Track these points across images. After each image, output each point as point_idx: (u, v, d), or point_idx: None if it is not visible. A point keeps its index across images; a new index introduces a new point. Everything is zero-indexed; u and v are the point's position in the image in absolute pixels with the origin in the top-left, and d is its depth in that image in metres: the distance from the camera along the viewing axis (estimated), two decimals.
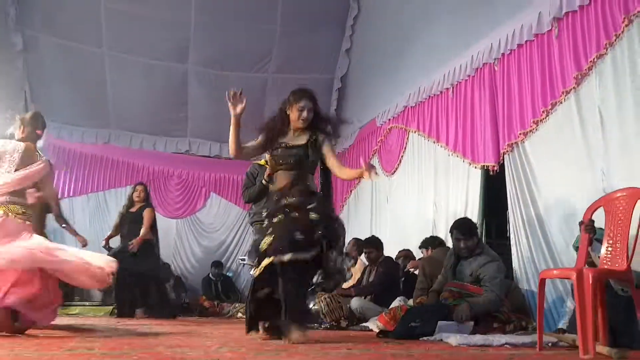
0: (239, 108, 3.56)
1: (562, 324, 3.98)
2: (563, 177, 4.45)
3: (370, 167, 3.27)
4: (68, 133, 8.70)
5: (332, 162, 3.63)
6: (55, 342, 3.03)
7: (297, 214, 3.37)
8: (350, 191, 8.48)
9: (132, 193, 6.70)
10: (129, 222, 6.55)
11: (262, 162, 5.38)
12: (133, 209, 6.60)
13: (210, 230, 9.42)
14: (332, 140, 3.70)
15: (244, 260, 8.45)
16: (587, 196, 4.12)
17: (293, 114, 3.58)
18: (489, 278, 4.08)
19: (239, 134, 3.61)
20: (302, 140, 3.59)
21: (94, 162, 8.94)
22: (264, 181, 4.40)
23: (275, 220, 3.41)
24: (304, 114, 3.54)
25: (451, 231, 4.44)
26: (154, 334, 3.94)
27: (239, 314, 7.26)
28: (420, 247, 5.66)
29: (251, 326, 3.53)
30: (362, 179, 3.38)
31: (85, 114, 8.71)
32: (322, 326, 5.17)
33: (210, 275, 8.64)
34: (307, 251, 3.26)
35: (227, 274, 9.05)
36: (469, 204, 5.54)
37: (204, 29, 8.41)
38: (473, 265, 4.21)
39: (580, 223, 3.29)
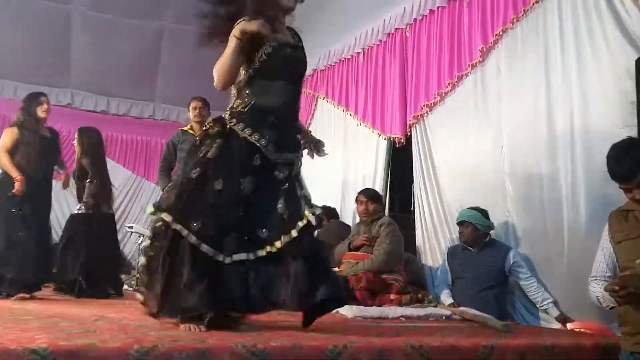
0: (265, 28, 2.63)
1: (443, 291, 4.33)
2: (465, 151, 4.69)
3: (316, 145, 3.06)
4: None
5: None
6: None
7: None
8: None
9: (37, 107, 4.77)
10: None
11: (188, 127, 5.26)
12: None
13: None
14: None
15: (131, 228, 8.24)
16: (488, 171, 4.43)
17: None
18: (378, 242, 4.46)
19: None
20: (291, 39, 2.86)
21: None
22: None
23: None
24: None
25: (356, 198, 4.78)
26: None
27: (125, 286, 7.10)
28: None
29: None
30: None
31: None
32: None
33: None
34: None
35: None
36: (377, 175, 5.71)
37: None
38: (373, 230, 4.56)
39: None
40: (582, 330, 3.38)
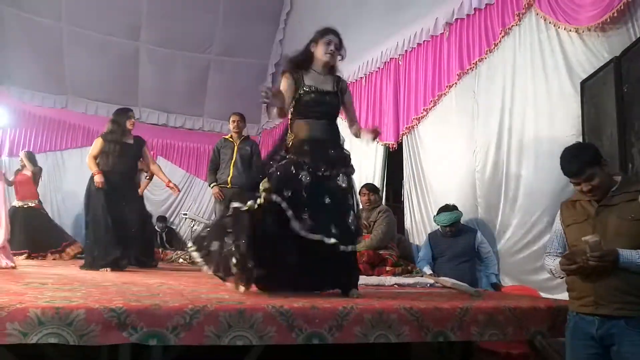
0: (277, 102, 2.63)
1: (424, 265, 4.31)
2: (445, 155, 4.68)
3: (375, 132, 2.89)
4: (30, 97, 8.09)
5: (350, 115, 2.96)
6: (13, 278, 2.90)
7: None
8: None
9: (126, 120, 4.59)
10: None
11: (228, 136, 5.29)
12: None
13: (156, 188, 9.14)
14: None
15: (186, 215, 8.31)
16: (462, 171, 4.40)
17: (319, 50, 2.76)
18: (376, 226, 4.48)
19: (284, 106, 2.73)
20: (329, 86, 2.80)
21: (52, 124, 8.36)
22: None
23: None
24: (332, 47, 2.75)
25: (360, 190, 4.73)
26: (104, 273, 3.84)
27: (180, 260, 7.16)
28: None
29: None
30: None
31: (45, 81, 8.09)
32: None
33: (156, 227, 8.42)
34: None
35: (171, 226, 8.87)
36: (376, 173, 5.68)
37: (154, 12, 8.02)
38: (372, 215, 4.58)
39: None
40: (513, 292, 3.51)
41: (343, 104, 2.88)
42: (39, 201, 6.42)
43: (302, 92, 2.71)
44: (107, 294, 2.22)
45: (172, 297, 2.16)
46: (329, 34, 2.79)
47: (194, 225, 7.97)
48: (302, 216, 2.48)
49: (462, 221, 4.17)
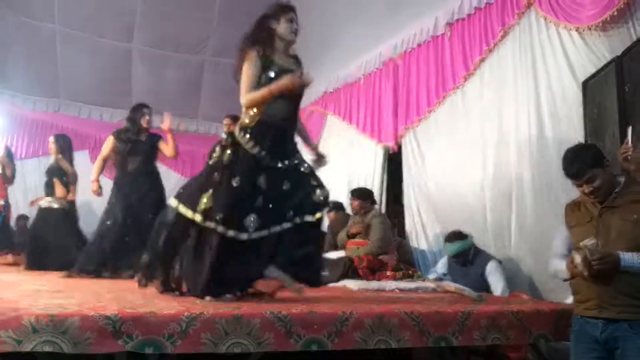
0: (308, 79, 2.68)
1: (439, 274, 4.23)
2: (448, 157, 4.64)
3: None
4: (21, 100, 8.11)
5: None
6: (7, 285, 2.90)
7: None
8: None
9: (141, 117, 4.50)
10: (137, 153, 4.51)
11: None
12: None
13: None
14: None
15: None
16: (466, 173, 4.39)
17: (282, 27, 2.70)
18: (371, 232, 4.43)
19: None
20: (292, 65, 2.76)
21: (45, 128, 8.33)
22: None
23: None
24: (295, 25, 2.71)
25: (350, 197, 4.81)
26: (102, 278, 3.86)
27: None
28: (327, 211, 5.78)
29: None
30: None
31: (38, 83, 8.10)
32: None
33: None
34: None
35: None
36: (375, 175, 5.68)
37: (148, 13, 8.02)
38: (366, 220, 4.55)
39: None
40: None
41: None
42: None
43: (274, 72, 2.63)
44: (102, 301, 2.23)
45: (167, 304, 2.17)
46: (290, 12, 2.72)
47: None
48: (249, 217, 2.49)
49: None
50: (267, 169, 2.61)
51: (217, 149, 2.66)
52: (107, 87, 8.43)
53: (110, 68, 8.27)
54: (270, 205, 2.57)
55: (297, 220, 2.60)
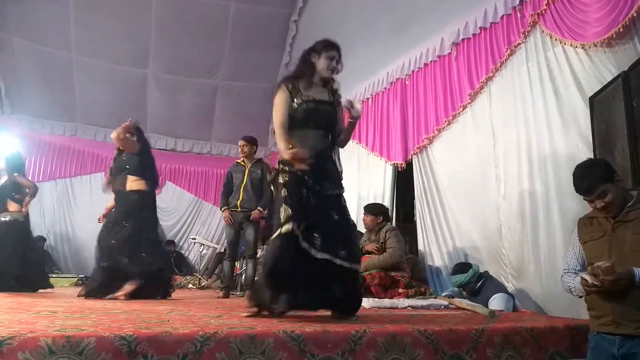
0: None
1: (449, 291, 4.18)
2: (460, 174, 4.60)
3: (349, 103, 2.84)
4: (39, 125, 8.31)
5: (340, 126, 2.89)
6: (24, 307, 2.91)
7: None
8: None
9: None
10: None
11: (240, 160, 5.34)
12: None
13: (164, 214, 9.20)
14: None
15: (194, 239, 8.33)
16: (479, 190, 4.35)
17: (321, 63, 2.80)
18: (388, 243, 4.38)
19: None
20: (325, 95, 2.83)
21: (62, 151, 8.54)
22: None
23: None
24: (334, 63, 2.80)
25: (364, 212, 4.77)
26: (114, 299, 3.84)
27: (190, 285, 7.15)
28: None
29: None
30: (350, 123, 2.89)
31: (55, 109, 8.31)
32: None
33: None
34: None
35: (180, 251, 8.88)
36: (385, 193, 5.66)
37: (162, 41, 8.20)
38: (380, 236, 4.50)
39: None
40: None
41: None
42: None
43: (299, 101, 2.73)
44: (117, 321, 2.23)
45: (182, 323, 2.16)
46: (333, 50, 2.81)
47: (202, 250, 7.98)
48: (314, 235, 2.52)
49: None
50: (314, 191, 2.64)
51: (268, 174, 2.78)
52: (123, 112, 8.57)
53: (126, 93, 8.46)
54: (326, 232, 2.57)
55: (347, 264, 2.59)
